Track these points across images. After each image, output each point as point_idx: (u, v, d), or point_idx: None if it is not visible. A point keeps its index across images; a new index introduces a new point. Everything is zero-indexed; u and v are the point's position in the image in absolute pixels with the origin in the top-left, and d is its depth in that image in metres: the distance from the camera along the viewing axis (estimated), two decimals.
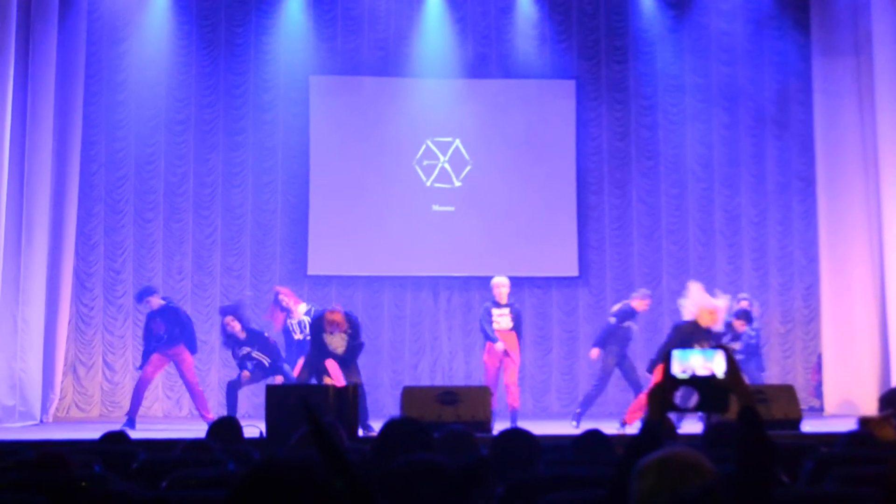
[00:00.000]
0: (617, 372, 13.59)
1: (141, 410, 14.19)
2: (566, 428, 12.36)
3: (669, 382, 3.56)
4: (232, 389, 13.10)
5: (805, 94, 15.95)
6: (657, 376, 11.68)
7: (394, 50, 16.30)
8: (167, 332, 13.46)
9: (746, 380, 3.69)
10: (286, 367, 13.11)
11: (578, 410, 13.38)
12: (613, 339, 13.45)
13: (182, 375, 13.66)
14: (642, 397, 11.99)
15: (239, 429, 7.46)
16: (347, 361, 12.14)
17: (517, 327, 13.33)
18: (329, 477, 2.41)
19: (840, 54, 15.32)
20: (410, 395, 11.06)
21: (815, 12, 15.67)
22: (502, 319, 13.24)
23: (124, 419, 13.40)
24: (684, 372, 3.56)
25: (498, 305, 13.32)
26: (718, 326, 12.05)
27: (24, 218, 13.92)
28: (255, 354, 13.07)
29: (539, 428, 7.31)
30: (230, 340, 13.17)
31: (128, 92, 15.77)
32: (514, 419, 12.59)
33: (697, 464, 3.12)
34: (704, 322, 11.91)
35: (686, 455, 3.14)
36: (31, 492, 4.74)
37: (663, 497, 3.03)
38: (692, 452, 3.18)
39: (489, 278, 14.81)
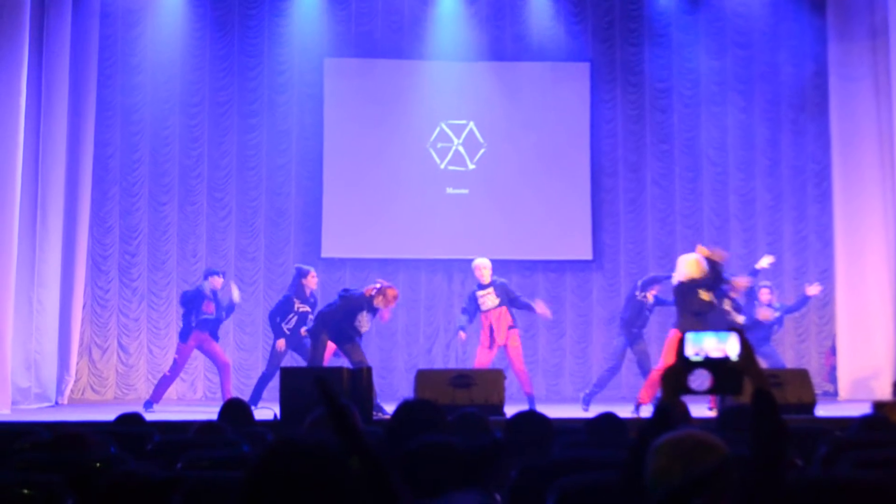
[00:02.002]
0: (631, 356, 13.65)
1: None
2: (580, 411, 12.38)
3: (683, 365, 3.57)
4: (264, 382, 13.10)
5: (821, 78, 15.89)
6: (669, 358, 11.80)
7: (408, 32, 16.29)
8: (216, 315, 13.55)
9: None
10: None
11: (587, 391, 13.41)
12: (625, 321, 13.62)
13: (217, 357, 13.65)
14: (653, 375, 12.05)
15: (250, 411, 7.50)
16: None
17: (505, 302, 13.23)
18: (345, 456, 2.42)
19: (856, 38, 15.26)
20: (424, 378, 11.08)
21: None
22: (487, 299, 13.21)
23: (139, 401, 13.47)
24: (697, 354, 3.56)
25: (481, 287, 13.29)
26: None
27: (39, 201, 13.96)
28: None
29: (553, 411, 7.32)
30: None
31: (142, 75, 15.78)
32: (531, 403, 12.59)
33: (711, 443, 3.14)
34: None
35: (699, 435, 3.16)
36: (48, 472, 4.76)
37: (676, 475, 3.05)
38: (705, 433, 3.19)
39: (504, 261, 14.87)
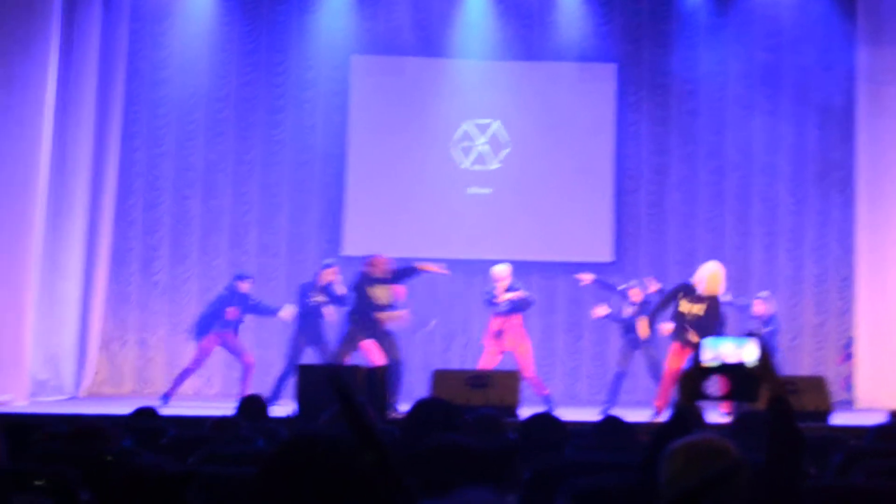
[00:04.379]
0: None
1: None
2: (595, 414, 12.34)
3: (699, 370, 3.56)
4: (284, 380, 13.14)
5: (849, 83, 15.77)
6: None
7: (435, 30, 16.26)
8: (239, 320, 13.65)
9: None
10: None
11: (605, 404, 13.37)
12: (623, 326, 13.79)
13: (242, 355, 13.71)
14: (664, 381, 12.04)
15: (266, 407, 7.54)
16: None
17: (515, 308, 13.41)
18: (359, 452, 2.43)
19: (887, 43, 15.16)
20: (440, 378, 11.09)
21: (862, 1, 15.52)
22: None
23: (157, 396, 13.52)
24: (714, 360, 3.56)
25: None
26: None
27: (64, 193, 14.02)
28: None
29: (568, 414, 7.33)
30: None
31: (169, 69, 15.82)
32: (547, 403, 12.59)
33: (725, 448, 3.14)
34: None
35: (714, 441, 3.16)
36: (64, 464, 4.79)
37: (690, 481, 3.05)
38: (720, 439, 3.19)
39: (523, 262, 14.86)
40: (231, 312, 13.56)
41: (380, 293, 12.59)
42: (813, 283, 16.05)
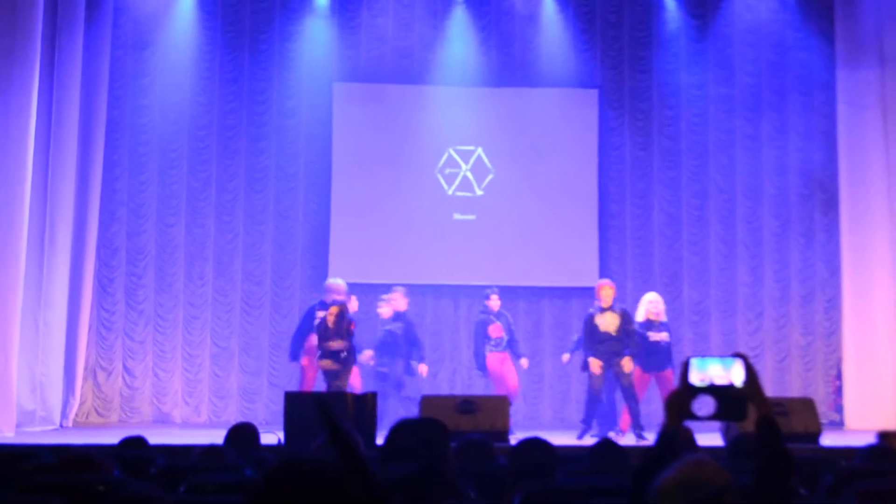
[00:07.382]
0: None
1: (160, 416, 14.45)
2: (585, 438, 12.35)
3: (687, 390, 3.55)
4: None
5: (829, 107, 15.92)
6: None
7: (417, 58, 16.31)
8: None
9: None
10: None
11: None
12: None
13: None
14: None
15: (256, 435, 7.50)
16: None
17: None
18: (346, 479, 2.42)
19: (864, 67, 15.32)
20: (429, 403, 11.06)
21: (840, 25, 15.67)
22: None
23: (144, 425, 13.47)
24: (702, 380, 3.55)
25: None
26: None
27: (47, 221, 14.00)
28: None
29: (557, 438, 7.30)
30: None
31: (152, 96, 15.82)
32: None
33: (714, 475, 3.11)
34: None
35: (701, 468, 3.13)
36: (52, 494, 4.76)
37: None
38: (708, 465, 3.16)
39: (510, 287, 14.90)
40: None
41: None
42: (799, 304, 16.09)
